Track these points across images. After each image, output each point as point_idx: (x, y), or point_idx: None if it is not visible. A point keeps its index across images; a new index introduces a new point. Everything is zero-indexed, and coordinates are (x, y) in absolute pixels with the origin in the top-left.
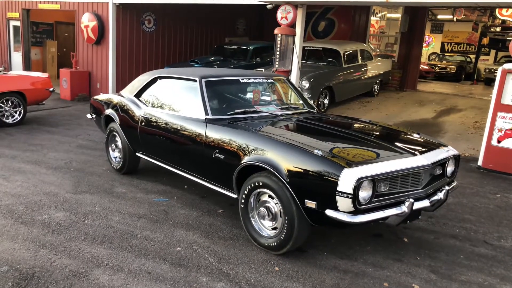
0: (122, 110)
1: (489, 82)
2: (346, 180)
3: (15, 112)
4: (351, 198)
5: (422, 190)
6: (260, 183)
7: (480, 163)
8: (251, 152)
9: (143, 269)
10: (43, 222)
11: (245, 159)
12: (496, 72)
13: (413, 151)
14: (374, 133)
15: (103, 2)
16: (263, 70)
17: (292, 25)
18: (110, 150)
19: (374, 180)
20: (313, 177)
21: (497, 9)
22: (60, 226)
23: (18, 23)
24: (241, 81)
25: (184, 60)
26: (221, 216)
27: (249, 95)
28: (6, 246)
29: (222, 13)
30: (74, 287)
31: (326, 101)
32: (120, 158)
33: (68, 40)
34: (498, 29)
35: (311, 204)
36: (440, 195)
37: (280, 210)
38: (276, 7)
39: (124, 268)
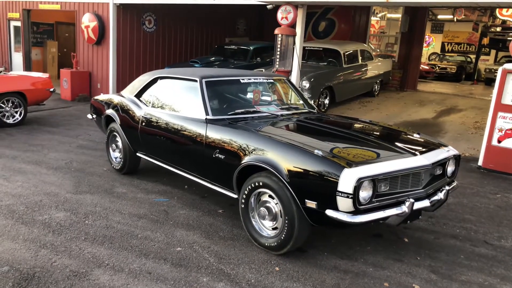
0: (123, 110)
1: (490, 82)
2: (346, 180)
3: (16, 112)
4: (351, 198)
5: (423, 190)
6: (261, 183)
7: (480, 163)
8: (252, 152)
9: (143, 269)
10: (43, 222)
11: (246, 159)
12: (497, 72)
13: (414, 151)
14: (374, 133)
15: (103, 3)
16: (264, 70)
17: (293, 25)
18: (111, 150)
19: (375, 180)
20: (314, 177)
21: (497, 9)
22: (61, 226)
23: (18, 24)
24: (242, 81)
25: (185, 60)
26: (222, 216)
27: (249, 95)
28: (6, 246)
29: (222, 13)
30: (74, 287)
31: (327, 101)
32: (120, 158)
33: (68, 41)
34: (498, 29)
35: (311, 204)
36: (440, 195)
37: (280, 210)
38: (277, 7)
39: (125, 268)
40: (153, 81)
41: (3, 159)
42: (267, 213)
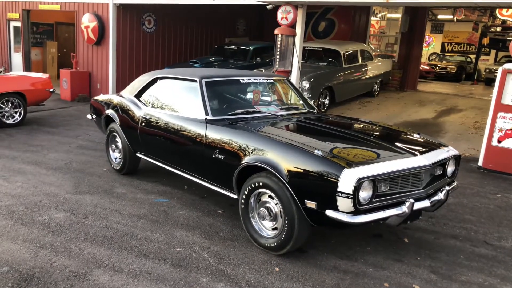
0: (122, 111)
1: (490, 82)
2: (346, 180)
3: (15, 112)
4: (351, 198)
5: (423, 190)
6: (260, 184)
7: (480, 163)
8: (251, 153)
9: (143, 269)
10: (43, 223)
11: (245, 160)
12: (497, 72)
13: (414, 151)
14: (374, 133)
15: (103, 3)
16: (263, 70)
17: (292, 25)
18: (110, 151)
19: (375, 180)
20: (313, 178)
21: (497, 9)
22: (60, 227)
23: (18, 24)
24: (241, 81)
25: (184, 61)
26: (221, 216)
27: (249, 96)
28: (6, 246)
29: (222, 13)
30: None
31: (326, 101)
32: (120, 158)
33: (68, 41)
34: (498, 29)
35: (311, 204)
36: (440, 195)
37: (280, 211)
38: (276, 7)
39: (124, 269)
40: (153, 82)
41: (2, 159)
42: (267, 213)
